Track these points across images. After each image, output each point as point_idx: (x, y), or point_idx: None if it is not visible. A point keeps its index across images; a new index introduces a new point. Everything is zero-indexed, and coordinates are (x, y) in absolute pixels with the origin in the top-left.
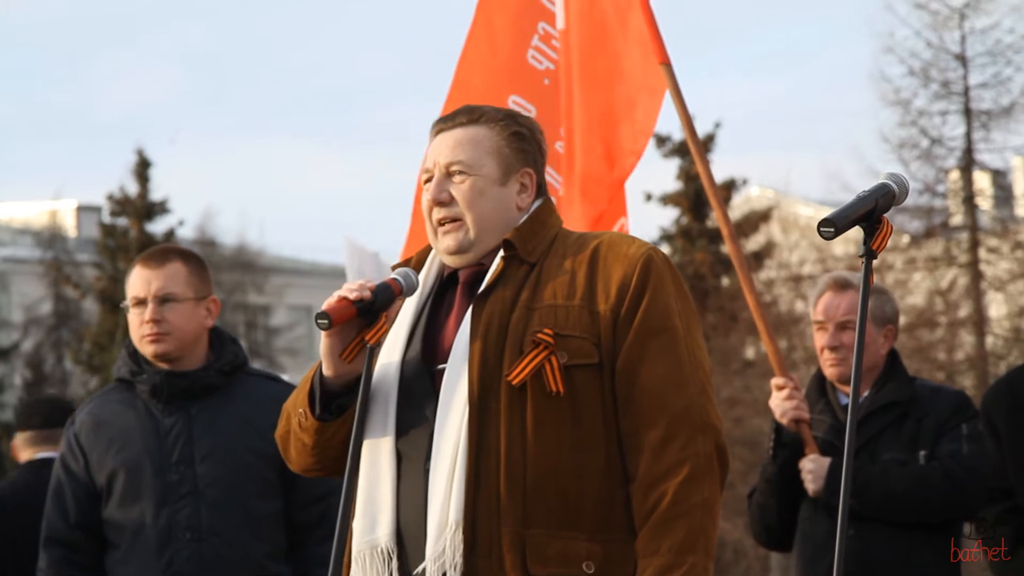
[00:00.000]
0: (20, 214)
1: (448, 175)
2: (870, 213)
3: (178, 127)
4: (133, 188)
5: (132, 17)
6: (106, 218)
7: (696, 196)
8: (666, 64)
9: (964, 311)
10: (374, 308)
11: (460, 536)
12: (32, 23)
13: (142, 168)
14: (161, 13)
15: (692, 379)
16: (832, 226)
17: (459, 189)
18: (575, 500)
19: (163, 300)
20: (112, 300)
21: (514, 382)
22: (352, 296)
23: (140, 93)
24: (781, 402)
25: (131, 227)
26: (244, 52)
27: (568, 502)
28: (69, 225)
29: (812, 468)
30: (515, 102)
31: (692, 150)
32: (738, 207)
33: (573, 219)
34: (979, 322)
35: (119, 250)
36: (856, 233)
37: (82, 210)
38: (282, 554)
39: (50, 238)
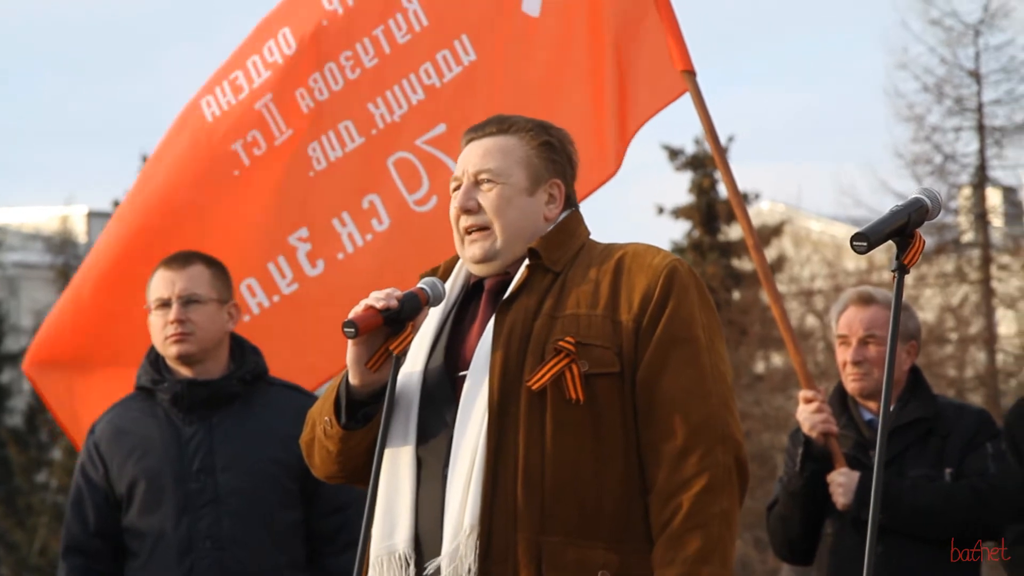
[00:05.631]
0: (31, 219)
1: (476, 183)
2: (903, 228)
3: None
4: None
5: (154, 24)
6: None
7: (708, 209)
8: (689, 72)
9: (975, 328)
10: (400, 317)
11: (475, 540)
12: (57, 29)
13: None
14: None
15: (714, 390)
16: (865, 240)
17: (487, 197)
18: (593, 508)
19: (187, 301)
20: None
21: (534, 387)
22: (379, 305)
23: (158, 97)
24: (810, 415)
25: None
26: None
27: (586, 510)
28: (80, 231)
29: (843, 482)
30: (284, 35)
31: (716, 159)
32: None
33: None
34: (990, 339)
35: None
36: (861, 247)
37: (93, 216)
38: (302, 564)
39: (60, 243)
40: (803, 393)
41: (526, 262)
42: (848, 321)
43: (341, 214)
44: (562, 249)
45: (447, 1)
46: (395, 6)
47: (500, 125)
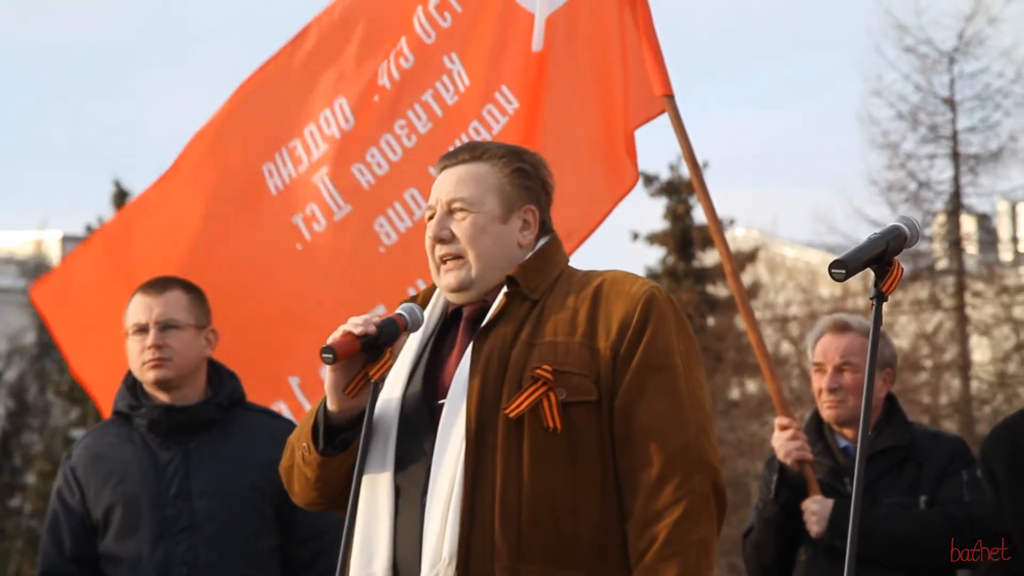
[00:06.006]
0: (4, 243)
1: (449, 212)
2: (881, 255)
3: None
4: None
5: (132, 48)
6: None
7: (682, 236)
8: (669, 96)
9: (949, 355)
10: (378, 343)
11: (453, 570)
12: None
13: (120, 198)
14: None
15: (692, 418)
16: (843, 268)
17: (460, 226)
18: (570, 537)
19: (165, 326)
20: None
21: (511, 415)
22: (357, 331)
23: (133, 122)
24: (785, 442)
25: None
26: (226, 86)
27: (563, 539)
28: (54, 255)
29: (816, 509)
30: (340, 105)
31: (695, 184)
32: None
33: None
34: (964, 366)
35: None
36: (839, 274)
37: (67, 240)
38: None
39: (34, 268)
40: (778, 420)
41: (504, 290)
42: (824, 348)
43: (416, 282)
44: (540, 276)
45: (483, 57)
46: (440, 69)
47: (472, 152)
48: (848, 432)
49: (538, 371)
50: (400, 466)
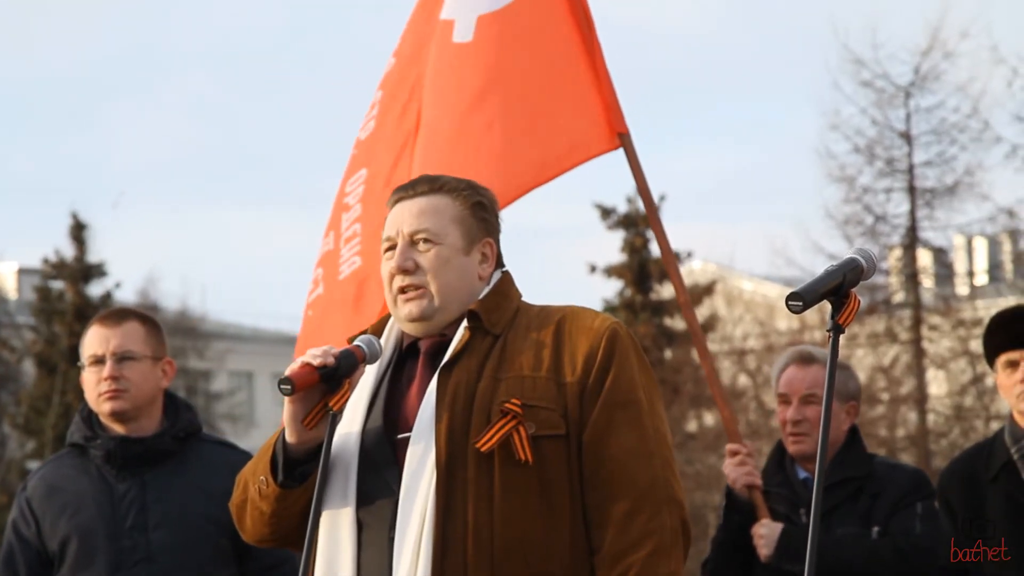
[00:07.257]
0: None
1: (412, 243)
2: (838, 288)
3: (121, 191)
4: (70, 251)
5: (95, 82)
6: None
7: (640, 268)
8: (624, 133)
9: (906, 388)
10: (337, 374)
11: None
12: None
13: (78, 231)
14: (128, 84)
15: (657, 452)
16: (800, 300)
17: (425, 257)
18: (541, 571)
19: (121, 358)
20: (48, 364)
21: (483, 449)
22: (316, 362)
23: (93, 154)
24: (734, 468)
25: (67, 290)
26: (192, 118)
27: (534, 573)
28: (10, 287)
29: (764, 533)
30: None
31: (649, 218)
32: None
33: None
34: (920, 399)
35: (54, 313)
36: (796, 306)
37: (23, 272)
38: None
39: None
40: (729, 446)
41: (464, 324)
42: (788, 380)
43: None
44: (499, 311)
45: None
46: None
47: (431, 184)
48: (810, 464)
49: (507, 405)
50: (363, 501)
